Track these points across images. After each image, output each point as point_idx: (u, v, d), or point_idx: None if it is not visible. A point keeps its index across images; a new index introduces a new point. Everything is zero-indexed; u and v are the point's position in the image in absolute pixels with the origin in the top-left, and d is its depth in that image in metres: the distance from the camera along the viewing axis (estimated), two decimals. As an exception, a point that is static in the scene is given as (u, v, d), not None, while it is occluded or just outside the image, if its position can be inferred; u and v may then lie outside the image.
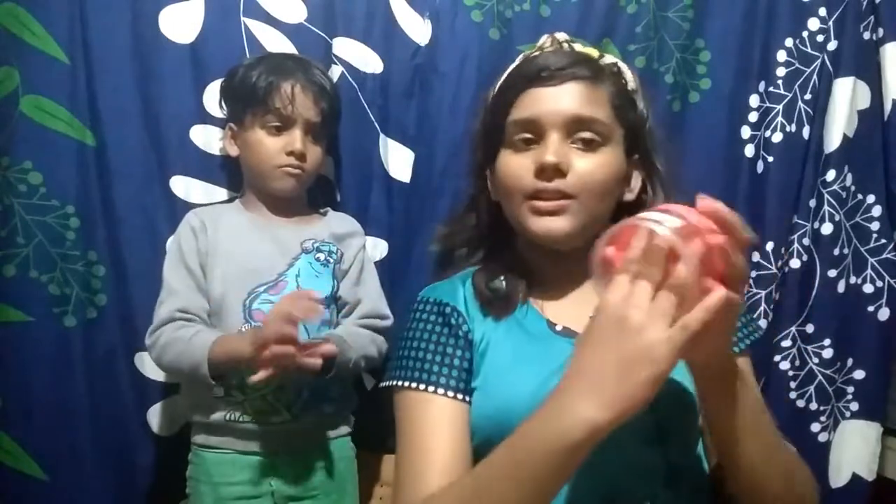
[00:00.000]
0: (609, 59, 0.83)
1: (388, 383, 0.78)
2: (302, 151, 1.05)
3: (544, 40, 0.85)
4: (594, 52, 0.82)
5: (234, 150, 1.10)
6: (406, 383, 0.76)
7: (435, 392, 0.74)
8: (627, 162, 0.80)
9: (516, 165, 0.77)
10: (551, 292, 0.82)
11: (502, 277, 0.81)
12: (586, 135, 0.76)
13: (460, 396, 0.75)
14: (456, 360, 0.76)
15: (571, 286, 0.81)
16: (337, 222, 1.15)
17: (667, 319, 0.54)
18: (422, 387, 0.75)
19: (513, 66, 0.84)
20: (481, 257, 0.89)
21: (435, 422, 0.73)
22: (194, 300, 1.03)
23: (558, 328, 0.78)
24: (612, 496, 0.70)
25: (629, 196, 0.82)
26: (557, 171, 0.74)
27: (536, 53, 0.82)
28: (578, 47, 0.83)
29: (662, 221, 0.56)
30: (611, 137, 0.77)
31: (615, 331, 0.55)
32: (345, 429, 1.11)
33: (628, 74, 0.83)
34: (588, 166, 0.75)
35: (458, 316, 0.79)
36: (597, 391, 0.55)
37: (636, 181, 0.83)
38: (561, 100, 0.76)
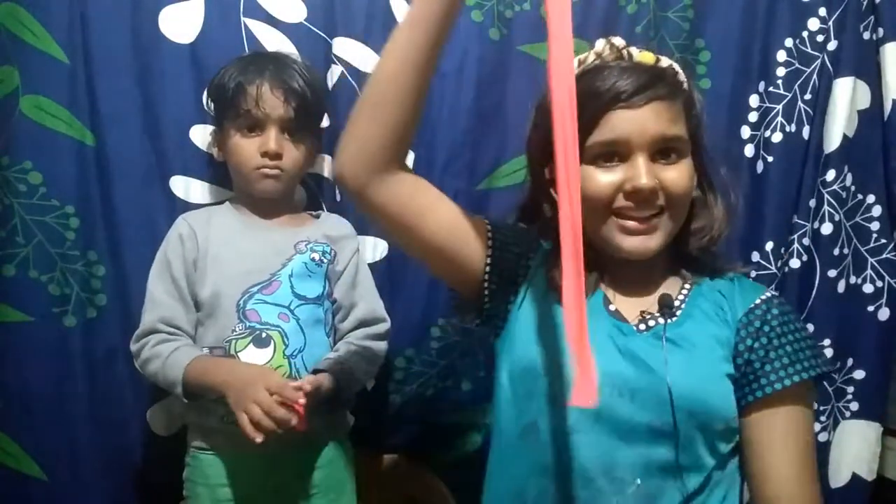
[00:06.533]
0: (665, 61, 0.81)
1: None
2: (276, 151, 1.04)
3: (602, 47, 0.81)
4: (651, 58, 0.81)
5: (219, 155, 1.10)
6: None
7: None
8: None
9: (602, 183, 0.77)
10: (619, 283, 0.82)
11: None
12: (669, 152, 0.77)
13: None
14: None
15: (638, 282, 0.82)
16: (330, 224, 1.15)
17: None
18: None
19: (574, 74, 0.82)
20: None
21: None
22: (177, 311, 1.03)
23: (611, 308, 0.80)
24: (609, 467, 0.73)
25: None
26: (652, 193, 0.75)
27: (597, 62, 0.80)
28: (635, 52, 0.81)
29: None
30: (688, 148, 0.79)
31: None
32: (342, 429, 1.11)
33: (683, 76, 0.82)
34: (675, 179, 0.76)
35: (533, 256, 0.84)
36: None
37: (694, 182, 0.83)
38: (647, 121, 0.75)
